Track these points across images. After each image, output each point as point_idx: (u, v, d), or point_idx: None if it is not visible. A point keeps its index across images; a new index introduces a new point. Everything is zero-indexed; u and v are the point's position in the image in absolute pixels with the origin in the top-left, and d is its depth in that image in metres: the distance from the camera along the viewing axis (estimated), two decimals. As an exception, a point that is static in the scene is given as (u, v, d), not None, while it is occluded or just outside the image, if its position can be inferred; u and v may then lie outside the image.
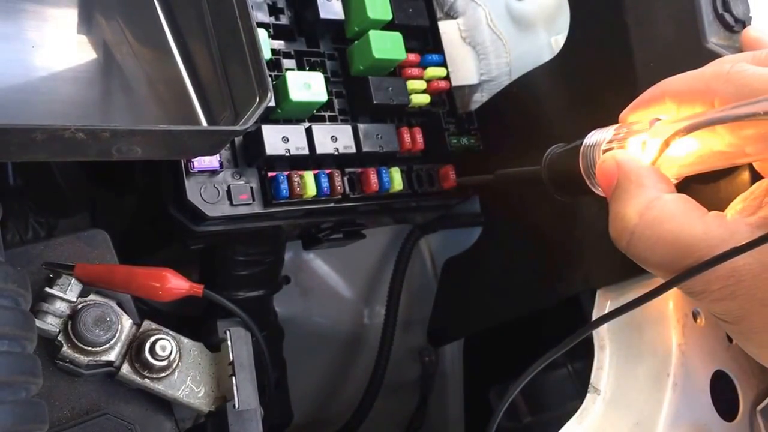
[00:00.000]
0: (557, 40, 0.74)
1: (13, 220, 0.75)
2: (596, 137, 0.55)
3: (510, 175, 0.68)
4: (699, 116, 0.49)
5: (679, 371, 0.61)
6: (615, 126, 0.55)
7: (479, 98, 0.83)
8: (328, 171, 0.71)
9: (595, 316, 0.66)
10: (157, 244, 0.79)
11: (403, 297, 0.93)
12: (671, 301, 0.63)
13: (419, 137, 0.77)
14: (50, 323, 0.58)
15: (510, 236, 0.80)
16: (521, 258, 0.78)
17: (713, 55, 0.57)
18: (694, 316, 0.63)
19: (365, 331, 1.02)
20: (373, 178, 0.73)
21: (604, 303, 0.67)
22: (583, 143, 0.55)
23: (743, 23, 0.61)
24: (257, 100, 0.59)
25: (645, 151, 0.51)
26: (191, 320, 0.77)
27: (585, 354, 0.68)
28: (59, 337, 0.58)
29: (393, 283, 0.93)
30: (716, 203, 0.51)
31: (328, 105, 0.73)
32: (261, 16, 0.72)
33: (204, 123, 0.65)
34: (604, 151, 0.54)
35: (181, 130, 0.55)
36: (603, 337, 0.65)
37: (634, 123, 0.54)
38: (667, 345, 0.62)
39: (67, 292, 0.59)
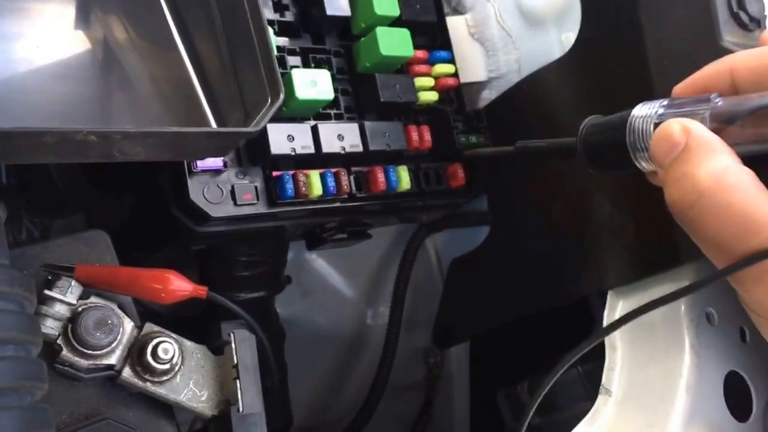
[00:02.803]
0: (568, 37, 0.73)
1: (6, 220, 0.74)
2: (647, 109, 0.53)
3: (534, 147, 0.66)
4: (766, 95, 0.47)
5: (692, 372, 0.60)
6: (667, 99, 0.53)
7: (488, 96, 0.82)
8: (334, 170, 0.70)
9: (606, 317, 0.65)
10: (154, 244, 0.78)
11: (407, 297, 0.93)
12: (684, 301, 0.62)
13: (427, 135, 0.75)
14: (49, 326, 0.57)
15: (518, 236, 0.79)
16: (530, 258, 0.77)
17: (728, 54, 0.56)
18: (708, 316, 0.62)
19: (369, 332, 1.01)
20: (381, 177, 0.72)
21: (615, 304, 0.66)
22: (632, 114, 0.53)
23: (758, 22, 0.61)
24: (269, 101, 0.58)
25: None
26: (189, 321, 0.75)
27: (595, 355, 0.66)
28: (59, 341, 0.57)
29: (398, 283, 0.92)
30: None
31: (334, 103, 0.72)
32: (266, 12, 0.70)
33: (213, 124, 0.64)
34: (656, 125, 0.51)
35: (192, 132, 0.54)
36: (614, 337, 0.65)
37: (692, 97, 0.52)
38: (679, 346, 0.61)
39: (67, 294, 0.58)
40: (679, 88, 0.54)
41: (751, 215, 0.46)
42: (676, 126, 0.49)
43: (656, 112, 0.52)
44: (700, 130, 0.48)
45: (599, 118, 0.57)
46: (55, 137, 0.47)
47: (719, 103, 0.49)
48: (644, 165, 0.53)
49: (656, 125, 0.51)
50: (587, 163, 0.58)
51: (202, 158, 0.63)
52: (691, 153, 0.48)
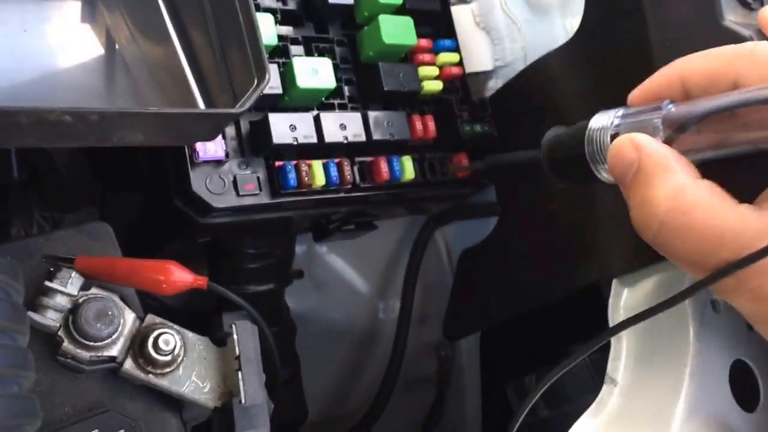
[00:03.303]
0: (571, 22, 0.72)
1: (17, 215, 0.74)
2: (603, 121, 0.52)
3: (503, 160, 0.67)
4: (718, 98, 0.46)
5: (697, 361, 0.59)
6: (622, 108, 0.52)
7: (494, 84, 0.81)
8: (337, 160, 0.70)
9: (611, 304, 0.65)
10: (165, 238, 0.78)
11: (418, 290, 0.92)
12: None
13: (431, 125, 0.75)
14: (50, 318, 0.56)
15: (526, 226, 0.78)
16: (538, 247, 0.76)
17: (730, 34, 0.56)
18: (713, 305, 0.62)
19: (380, 325, 1.01)
20: (384, 167, 0.71)
21: (620, 291, 0.65)
22: (589, 126, 0.53)
23: (761, 1, 0.59)
24: (255, 82, 0.58)
25: (658, 136, 0.48)
26: (202, 316, 0.75)
27: (603, 346, 0.66)
28: (60, 332, 0.57)
29: (408, 276, 0.92)
30: (741, 194, 0.48)
31: (337, 92, 0.72)
32: (268, 1, 0.70)
33: (202, 107, 0.64)
34: (613, 136, 0.51)
35: (175, 113, 0.54)
36: (619, 328, 0.64)
37: (645, 106, 0.51)
38: (684, 334, 0.61)
39: (68, 285, 0.57)
40: (633, 96, 0.54)
41: (712, 231, 0.46)
42: (626, 143, 0.49)
43: (612, 122, 0.51)
44: (651, 146, 0.48)
45: (559, 129, 0.57)
46: (29, 117, 0.47)
47: (671, 110, 0.49)
48: (606, 176, 0.53)
49: (613, 137, 0.51)
50: (554, 178, 0.58)
51: (195, 141, 0.63)
52: (646, 175, 0.48)
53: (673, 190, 0.47)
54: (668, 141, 0.48)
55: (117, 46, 0.64)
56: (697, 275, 0.48)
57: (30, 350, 0.50)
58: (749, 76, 0.47)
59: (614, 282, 0.65)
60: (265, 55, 0.58)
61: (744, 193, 0.47)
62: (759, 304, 0.47)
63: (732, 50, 0.49)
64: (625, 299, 0.64)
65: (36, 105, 0.48)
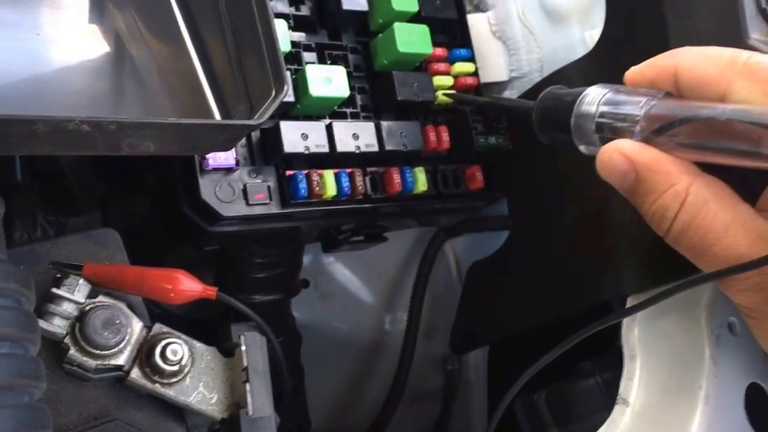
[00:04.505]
0: (591, 35, 0.71)
1: (21, 217, 0.74)
2: (588, 106, 0.53)
3: (502, 103, 0.71)
4: (697, 108, 0.47)
5: (712, 383, 0.59)
6: (611, 90, 0.53)
7: (509, 95, 0.80)
8: (349, 170, 0.69)
9: (625, 323, 0.64)
10: (170, 244, 0.77)
11: (426, 303, 0.92)
12: (705, 311, 0.61)
13: (445, 136, 0.74)
14: (57, 325, 0.56)
15: (538, 240, 0.77)
16: (550, 263, 0.75)
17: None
18: (730, 327, 0.61)
19: (387, 337, 1.00)
20: (396, 178, 0.71)
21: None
22: (575, 106, 0.54)
23: None
24: (273, 93, 0.57)
25: (636, 129, 0.50)
26: (208, 325, 0.75)
27: (614, 364, 0.66)
28: (66, 340, 0.57)
29: (416, 288, 0.91)
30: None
31: (350, 101, 0.71)
32: (281, 6, 0.69)
33: (218, 117, 0.63)
34: (597, 125, 0.52)
35: (193, 123, 0.53)
36: (633, 346, 0.63)
37: (630, 97, 0.52)
38: (699, 356, 0.60)
39: (75, 293, 0.57)
40: (628, 75, 0.55)
41: (717, 228, 0.48)
42: (615, 155, 0.51)
43: (597, 110, 0.53)
44: (642, 155, 0.50)
45: (559, 91, 0.58)
46: (47, 126, 0.46)
47: (652, 107, 0.50)
48: (586, 152, 0.55)
49: (597, 125, 0.53)
50: (540, 136, 0.59)
51: (209, 152, 0.62)
52: (647, 183, 0.50)
53: (679, 191, 0.49)
54: (647, 138, 0.50)
55: (130, 52, 0.63)
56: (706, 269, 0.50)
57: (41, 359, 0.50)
58: (738, 91, 0.48)
59: (629, 300, 0.64)
60: (284, 65, 0.57)
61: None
62: (750, 296, 0.49)
63: (727, 58, 0.50)
64: (639, 318, 0.63)
65: (48, 110, 0.47)
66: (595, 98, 0.53)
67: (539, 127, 0.59)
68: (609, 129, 0.52)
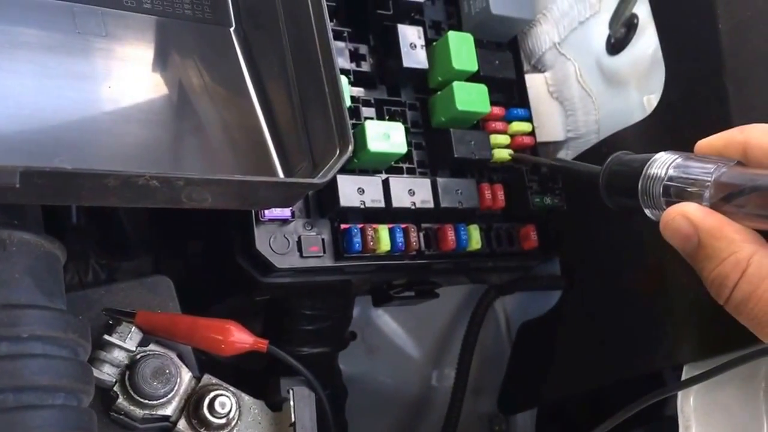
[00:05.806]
0: (650, 99, 0.71)
1: (73, 261, 0.74)
2: (658, 169, 0.53)
3: (567, 166, 0.71)
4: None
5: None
6: (680, 156, 0.52)
7: (564, 155, 0.80)
8: (403, 226, 0.69)
9: (681, 393, 0.62)
10: (220, 292, 0.77)
11: (474, 360, 0.90)
12: (764, 382, 0.60)
13: (500, 194, 0.74)
14: (107, 373, 0.56)
15: (590, 302, 0.76)
16: (601, 326, 0.74)
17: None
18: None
19: (433, 394, 0.99)
20: (451, 235, 0.70)
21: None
22: (644, 172, 0.53)
23: None
24: (338, 152, 0.57)
25: (705, 195, 0.49)
26: (252, 374, 0.74)
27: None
28: (115, 388, 0.56)
29: (465, 344, 0.90)
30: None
31: (406, 157, 0.71)
32: (342, 61, 0.70)
33: (280, 173, 0.63)
34: (665, 188, 0.52)
35: (257, 181, 0.53)
36: (689, 417, 0.62)
37: (700, 164, 0.51)
38: (757, 429, 0.59)
39: (127, 340, 0.57)
40: (699, 145, 0.54)
41: None
42: (679, 218, 0.50)
43: (666, 173, 0.52)
44: (706, 220, 0.49)
45: (625, 156, 0.57)
46: (117, 180, 0.46)
47: (722, 176, 0.49)
48: (652, 217, 0.54)
49: (665, 188, 0.52)
50: (607, 201, 0.58)
51: (269, 208, 0.62)
52: (709, 249, 0.49)
53: (740, 260, 0.48)
54: (716, 205, 0.49)
55: (193, 105, 0.64)
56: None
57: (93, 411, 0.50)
58: None
59: (685, 369, 0.63)
60: (349, 124, 0.57)
61: None
62: None
63: None
64: (695, 388, 0.62)
65: (113, 162, 0.48)
66: (665, 162, 0.52)
67: (606, 190, 0.58)
68: (677, 193, 0.51)
